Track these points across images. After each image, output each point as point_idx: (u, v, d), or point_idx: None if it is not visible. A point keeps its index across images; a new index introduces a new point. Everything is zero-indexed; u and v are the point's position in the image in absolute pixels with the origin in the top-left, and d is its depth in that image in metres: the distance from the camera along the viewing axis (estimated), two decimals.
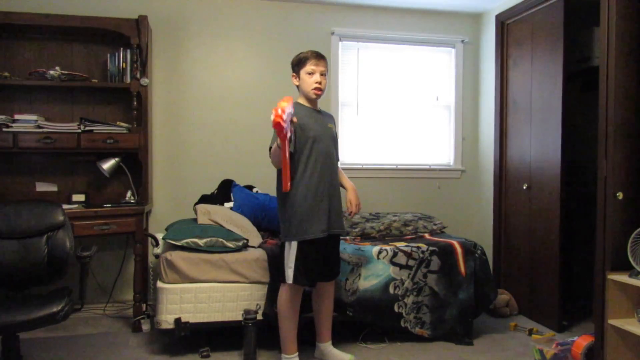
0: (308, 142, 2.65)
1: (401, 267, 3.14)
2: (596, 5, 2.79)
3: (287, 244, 2.67)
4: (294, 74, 2.76)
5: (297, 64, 2.73)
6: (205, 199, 3.68)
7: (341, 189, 2.84)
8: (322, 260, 2.72)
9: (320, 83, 2.69)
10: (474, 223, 4.46)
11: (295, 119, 2.44)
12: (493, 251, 4.15)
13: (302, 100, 2.77)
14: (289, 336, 2.73)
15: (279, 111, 2.22)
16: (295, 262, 2.62)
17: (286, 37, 4.12)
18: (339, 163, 2.92)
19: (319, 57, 2.71)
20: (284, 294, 2.71)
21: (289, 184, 2.49)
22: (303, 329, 2.93)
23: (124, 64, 3.61)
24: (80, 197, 3.62)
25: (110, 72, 3.64)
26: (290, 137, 2.43)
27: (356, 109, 4.33)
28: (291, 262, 2.63)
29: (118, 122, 3.62)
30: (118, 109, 3.79)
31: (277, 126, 2.25)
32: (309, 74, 2.68)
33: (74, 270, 2.62)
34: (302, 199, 2.62)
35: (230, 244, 3.03)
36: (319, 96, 2.74)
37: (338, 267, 2.89)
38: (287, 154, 2.41)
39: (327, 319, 2.88)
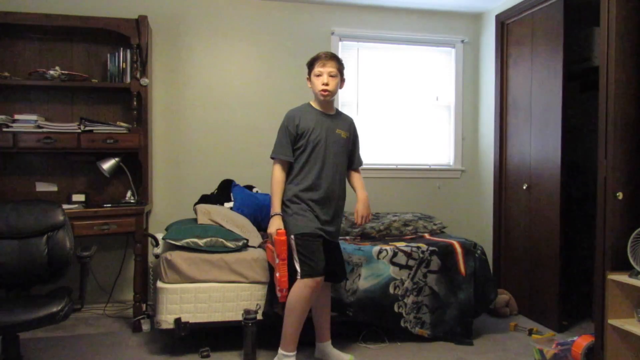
0: (308, 146, 2.68)
1: (401, 267, 3.14)
2: (596, 5, 2.79)
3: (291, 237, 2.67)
4: (308, 76, 2.78)
5: (309, 67, 2.77)
6: (205, 199, 3.68)
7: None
8: (325, 258, 2.67)
9: (327, 84, 2.68)
10: (474, 223, 4.46)
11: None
12: (493, 251, 4.15)
13: (314, 104, 2.79)
14: (292, 333, 2.66)
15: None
16: (297, 255, 2.61)
17: (286, 37, 4.12)
18: (356, 169, 2.97)
19: (328, 57, 2.71)
20: (297, 288, 2.62)
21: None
22: (303, 329, 2.93)
23: (124, 64, 3.61)
24: (80, 197, 3.62)
25: (110, 72, 3.64)
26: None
27: (356, 109, 4.32)
28: (296, 257, 2.63)
29: (118, 122, 3.62)
30: (118, 109, 3.79)
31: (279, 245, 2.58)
32: (317, 76, 2.70)
33: (74, 270, 2.62)
34: (294, 199, 2.68)
35: (230, 244, 3.03)
36: (326, 97, 2.72)
37: (342, 271, 2.89)
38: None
39: (325, 318, 2.87)
